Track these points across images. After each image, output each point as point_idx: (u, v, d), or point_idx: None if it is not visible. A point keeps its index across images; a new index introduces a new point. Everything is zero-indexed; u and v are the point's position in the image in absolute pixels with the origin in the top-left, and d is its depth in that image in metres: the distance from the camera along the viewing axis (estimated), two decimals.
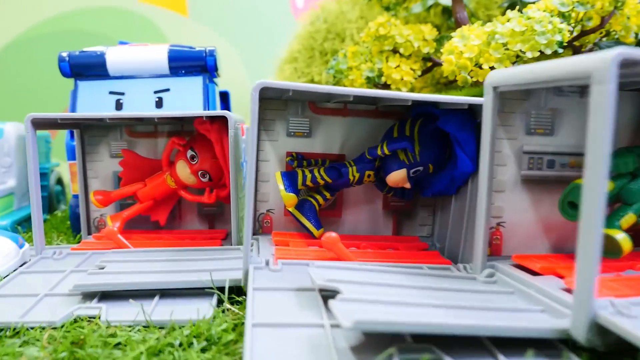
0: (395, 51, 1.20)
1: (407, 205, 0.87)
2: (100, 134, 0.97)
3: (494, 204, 0.69)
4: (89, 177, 0.98)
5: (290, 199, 0.74)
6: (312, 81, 1.72)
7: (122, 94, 1.06)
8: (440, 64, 1.22)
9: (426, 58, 1.20)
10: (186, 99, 1.07)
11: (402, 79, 1.16)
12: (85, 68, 1.05)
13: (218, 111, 0.77)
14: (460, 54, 0.91)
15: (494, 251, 0.71)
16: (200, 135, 0.89)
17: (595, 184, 0.40)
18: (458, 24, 1.16)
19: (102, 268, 0.71)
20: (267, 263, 0.65)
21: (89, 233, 0.98)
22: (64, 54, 1.04)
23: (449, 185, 0.77)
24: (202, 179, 0.89)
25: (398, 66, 1.16)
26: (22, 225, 1.14)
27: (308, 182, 0.75)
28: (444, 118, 0.71)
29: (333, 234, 0.65)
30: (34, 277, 0.72)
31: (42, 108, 2.10)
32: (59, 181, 1.45)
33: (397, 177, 0.74)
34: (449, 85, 1.40)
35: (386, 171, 0.75)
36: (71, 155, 1.04)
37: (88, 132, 0.97)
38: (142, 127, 0.97)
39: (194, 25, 2.14)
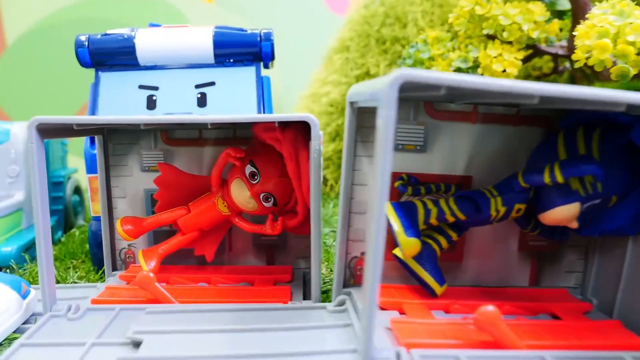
0: (491, 37, 0.95)
1: (551, 245, 0.63)
2: (128, 140, 0.75)
3: None
4: (114, 196, 0.76)
5: (412, 245, 0.51)
6: (367, 74, 1.48)
7: (156, 88, 0.83)
8: (548, 53, 0.97)
9: (530, 45, 0.96)
10: (235, 95, 0.84)
11: (504, 71, 0.91)
12: (109, 55, 0.83)
13: (299, 114, 0.54)
14: (617, 36, 0.67)
15: None
16: (263, 145, 0.67)
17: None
18: (578, 5, 0.91)
19: (138, 345, 0.49)
20: (398, 358, 0.42)
21: (114, 268, 0.76)
22: (83, 38, 0.82)
23: (631, 223, 0.53)
24: (265, 204, 0.66)
25: (500, 54, 0.91)
26: (32, 250, 0.93)
27: (433, 220, 0.52)
28: None
29: (491, 308, 0.42)
30: (38, 355, 0.50)
31: (59, 105, 1.90)
32: (77, 190, 1.23)
33: (562, 214, 0.50)
34: (545, 78, 1.15)
35: (545, 205, 0.51)
36: (91, 167, 0.82)
37: (113, 138, 0.75)
38: (183, 132, 0.75)
39: (219, 12, 1.94)
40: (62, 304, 0.59)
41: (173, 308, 0.58)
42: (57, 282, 0.79)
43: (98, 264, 0.83)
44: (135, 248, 0.77)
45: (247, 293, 0.64)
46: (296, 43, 1.85)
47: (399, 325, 0.48)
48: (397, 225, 0.50)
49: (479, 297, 0.57)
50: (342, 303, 0.57)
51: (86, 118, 0.57)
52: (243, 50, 0.84)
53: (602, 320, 0.54)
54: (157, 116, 0.56)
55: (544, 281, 0.64)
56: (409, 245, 0.50)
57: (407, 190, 0.55)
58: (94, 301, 0.62)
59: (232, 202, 0.67)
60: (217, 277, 0.70)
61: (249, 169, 0.65)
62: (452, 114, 0.59)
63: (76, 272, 0.83)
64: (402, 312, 0.53)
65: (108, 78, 0.84)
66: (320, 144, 0.56)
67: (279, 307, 0.58)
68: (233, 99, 0.84)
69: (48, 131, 0.58)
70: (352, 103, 0.54)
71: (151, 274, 0.60)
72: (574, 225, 0.52)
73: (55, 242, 1.04)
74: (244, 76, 0.85)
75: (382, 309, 0.54)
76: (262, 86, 0.85)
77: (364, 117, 0.57)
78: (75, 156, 1.37)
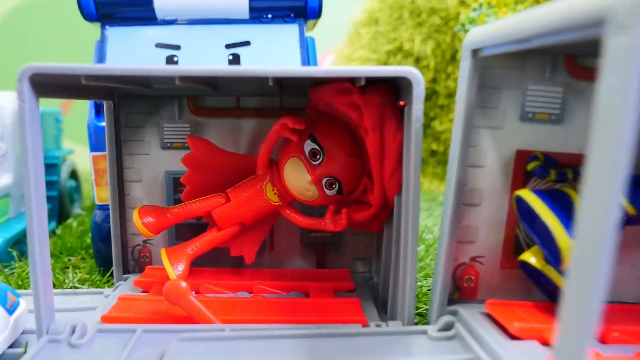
0: None
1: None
2: (146, 109, 0.59)
3: None
4: (126, 179, 0.60)
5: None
6: (400, 49, 1.32)
7: (177, 47, 0.67)
8: None
9: None
10: (275, 58, 0.68)
11: None
12: (119, 6, 0.67)
13: (396, 68, 0.39)
14: None
15: None
16: (324, 116, 0.51)
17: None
18: None
19: None
20: None
21: (126, 270, 0.61)
22: None
23: None
24: (328, 191, 0.50)
25: None
26: (22, 244, 0.77)
27: None
28: None
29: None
30: None
31: None
32: (73, 174, 1.07)
33: None
34: None
35: None
36: (97, 144, 0.66)
37: (127, 106, 0.59)
38: (216, 100, 0.59)
39: None
40: (63, 323, 0.43)
41: (217, 332, 0.42)
42: (54, 285, 0.64)
43: (104, 263, 0.68)
44: (152, 245, 0.61)
45: (306, 309, 0.48)
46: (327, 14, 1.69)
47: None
48: (553, 223, 0.35)
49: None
50: (449, 326, 0.42)
51: (99, 67, 0.41)
52: (284, 3, 0.69)
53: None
54: (199, 67, 0.41)
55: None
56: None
57: (550, 175, 0.40)
58: (106, 318, 0.46)
59: (284, 189, 0.52)
60: (259, 285, 0.55)
61: (309, 145, 0.50)
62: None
63: (76, 274, 0.67)
64: (544, 343, 0.38)
65: (117, 34, 0.68)
66: (422, 110, 0.41)
67: (359, 331, 0.43)
68: (271, 62, 0.68)
69: (45, 87, 0.42)
70: (475, 51, 0.38)
71: (183, 284, 0.44)
72: None
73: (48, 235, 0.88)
74: (285, 35, 0.69)
75: (514, 337, 0.39)
76: (307, 48, 0.69)
77: (490, 74, 0.42)
78: (68, 140, 1.21)
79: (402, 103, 0.45)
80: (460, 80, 0.39)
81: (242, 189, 0.53)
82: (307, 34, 0.71)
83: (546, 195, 0.38)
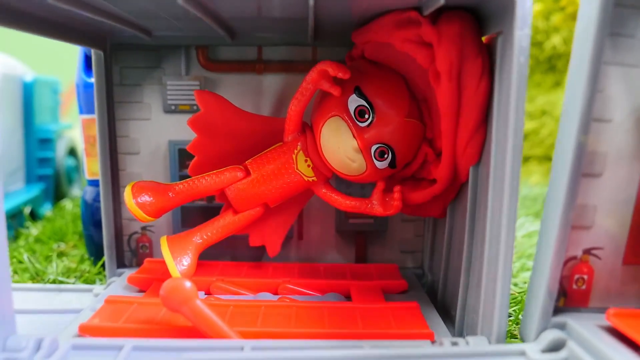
0: None
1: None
2: (144, 61, 0.47)
3: None
4: (120, 150, 0.48)
5: None
6: None
7: None
8: None
9: None
10: None
11: None
12: None
13: None
14: None
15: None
16: (374, 66, 0.39)
17: None
18: None
19: None
20: None
21: (120, 264, 0.49)
22: None
23: None
24: (379, 163, 0.38)
25: None
26: None
27: None
28: None
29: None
30: None
31: None
32: (72, 151, 0.96)
33: None
34: None
35: None
36: (87, 104, 0.55)
37: (121, 57, 0.47)
38: (232, 51, 0.47)
39: None
40: (26, 336, 0.32)
41: (233, 352, 0.30)
42: (32, 277, 0.53)
43: (96, 251, 0.57)
44: (152, 233, 0.50)
45: (351, 317, 0.37)
46: None
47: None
48: None
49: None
50: (558, 345, 0.30)
51: None
52: None
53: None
54: None
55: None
56: None
57: None
58: (85, 329, 0.34)
59: (321, 160, 0.40)
60: (286, 284, 0.43)
61: (355, 101, 0.37)
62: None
63: (62, 262, 0.56)
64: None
65: None
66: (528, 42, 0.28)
67: (430, 351, 0.30)
68: None
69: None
70: None
71: (188, 284, 0.32)
72: None
73: (39, 218, 0.77)
74: None
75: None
76: None
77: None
78: (70, 116, 1.10)
79: (488, 37, 0.33)
80: None
81: (266, 160, 0.41)
82: None
83: None
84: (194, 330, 0.33)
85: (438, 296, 0.44)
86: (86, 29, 0.42)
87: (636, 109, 0.30)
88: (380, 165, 0.39)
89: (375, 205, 0.41)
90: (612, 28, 0.29)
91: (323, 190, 0.42)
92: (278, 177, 0.41)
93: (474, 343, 0.32)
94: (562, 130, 0.29)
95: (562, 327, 0.31)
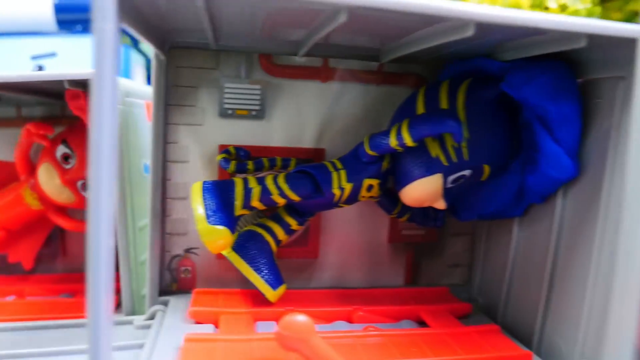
0: None
1: (429, 234, 0.52)
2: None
3: None
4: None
5: (217, 235, 0.37)
6: None
7: None
8: None
9: None
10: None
11: None
12: None
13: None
14: None
15: None
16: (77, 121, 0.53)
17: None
18: None
19: None
20: None
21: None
22: None
23: (513, 202, 0.42)
24: (85, 193, 0.52)
25: None
26: None
27: (255, 202, 0.39)
28: (517, 75, 0.36)
29: (301, 318, 0.30)
30: None
31: None
32: None
33: (422, 189, 0.39)
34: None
35: (402, 179, 0.40)
36: None
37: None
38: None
39: None
40: None
41: None
42: None
43: None
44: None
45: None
46: None
47: (191, 346, 0.35)
48: (199, 208, 0.37)
49: (331, 301, 0.45)
50: (155, 315, 0.43)
51: None
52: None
53: (479, 325, 0.42)
54: None
55: (424, 278, 0.52)
56: (211, 235, 0.37)
57: (229, 166, 0.43)
58: None
59: (41, 192, 0.53)
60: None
61: (60, 150, 0.51)
62: (296, 69, 0.46)
63: None
64: (218, 326, 0.40)
65: None
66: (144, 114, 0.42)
67: None
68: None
69: None
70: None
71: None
72: (441, 204, 0.40)
73: None
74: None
75: (196, 322, 0.41)
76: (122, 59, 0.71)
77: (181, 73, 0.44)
78: None
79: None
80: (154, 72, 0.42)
81: (2, 195, 0.54)
82: None
83: (212, 185, 0.39)
84: None
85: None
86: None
87: (203, 154, 0.45)
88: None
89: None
90: (175, 101, 0.44)
91: (53, 216, 0.55)
92: (11, 209, 0.54)
93: None
94: (151, 170, 0.43)
95: (166, 304, 0.45)
